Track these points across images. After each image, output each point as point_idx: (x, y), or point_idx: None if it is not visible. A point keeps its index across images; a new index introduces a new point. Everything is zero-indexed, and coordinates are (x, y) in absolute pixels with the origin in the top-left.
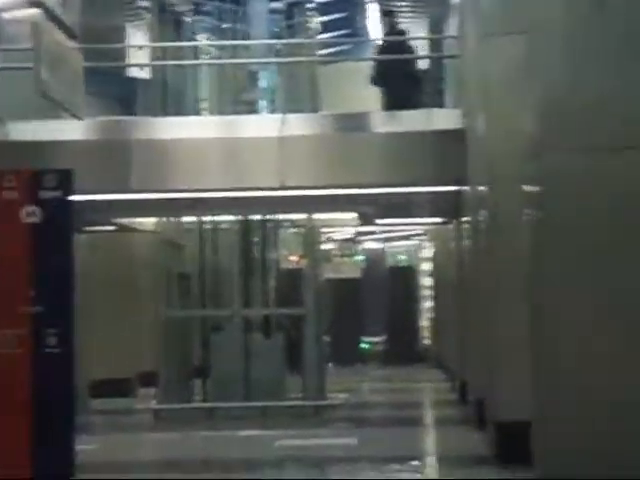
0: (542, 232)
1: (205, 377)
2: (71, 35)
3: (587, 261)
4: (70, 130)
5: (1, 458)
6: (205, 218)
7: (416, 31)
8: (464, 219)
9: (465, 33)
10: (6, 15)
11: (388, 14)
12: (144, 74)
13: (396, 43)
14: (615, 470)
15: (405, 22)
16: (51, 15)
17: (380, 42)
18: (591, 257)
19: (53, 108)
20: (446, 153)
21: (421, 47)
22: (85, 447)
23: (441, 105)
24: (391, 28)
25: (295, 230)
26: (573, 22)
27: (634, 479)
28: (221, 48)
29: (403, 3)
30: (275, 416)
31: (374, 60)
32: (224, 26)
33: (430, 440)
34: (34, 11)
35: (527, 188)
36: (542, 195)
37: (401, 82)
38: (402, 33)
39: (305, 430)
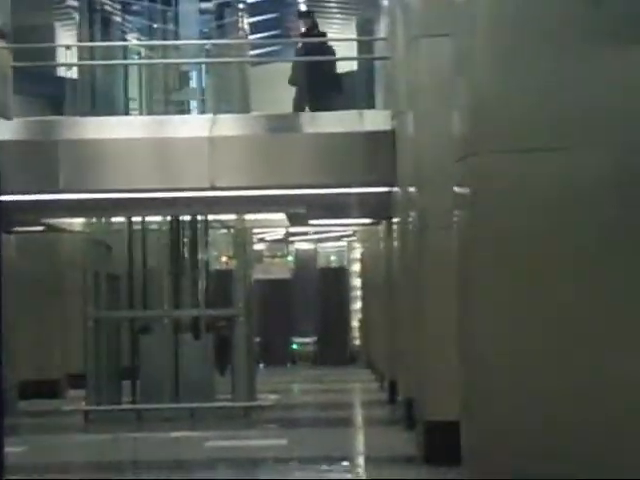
0: (470, 234)
1: (134, 378)
2: None
3: (514, 262)
4: None
5: None
6: (134, 218)
7: (345, 32)
8: (393, 220)
9: (394, 35)
10: None
11: (305, 15)
12: (73, 74)
13: (316, 44)
14: (544, 468)
15: (335, 23)
16: None
17: (300, 43)
18: (519, 258)
19: None
20: (376, 154)
21: (350, 48)
22: (14, 449)
23: (372, 106)
24: (310, 29)
25: (225, 231)
26: (501, 22)
27: (562, 478)
28: (151, 48)
29: (332, 4)
30: (205, 417)
31: (297, 61)
32: (154, 26)
33: (359, 440)
34: None
35: (456, 190)
36: (471, 197)
37: (318, 83)
38: (323, 34)
39: (235, 431)
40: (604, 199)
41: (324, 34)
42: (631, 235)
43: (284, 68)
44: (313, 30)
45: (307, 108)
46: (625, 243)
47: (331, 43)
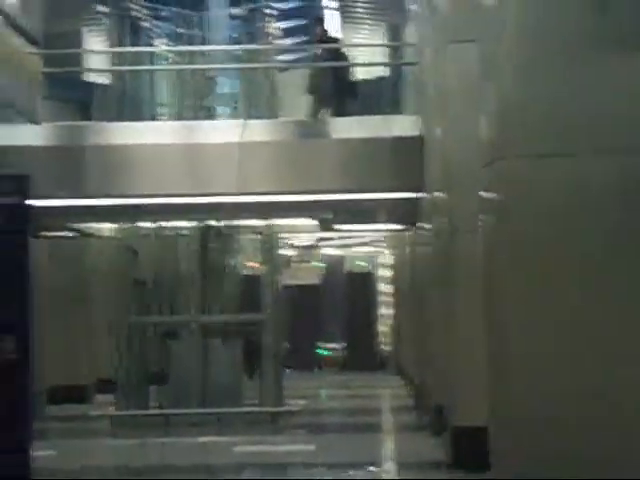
0: (497, 238)
1: (162, 383)
2: (31, 40)
3: (541, 265)
4: (28, 135)
5: None
6: (163, 224)
7: (374, 38)
8: (422, 225)
9: (423, 40)
10: None
11: (317, 22)
12: (102, 79)
13: (330, 51)
14: (571, 470)
15: (365, 29)
16: (10, 21)
17: (317, 51)
18: (545, 262)
19: (10, 113)
20: (404, 159)
21: (379, 54)
22: (42, 453)
23: (399, 112)
24: (322, 35)
25: (254, 236)
26: (524, 30)
27: (591, 479)
28: (181, 54)
29: (361, 10)
30: (232, 422)
31: (313, 69)
32: (183, 32)
33: (388, 446)
34: None
35: (483, 194)
36: (498, 201)
37: (334, 91)
38: (335, 40)
39: (262, 436)
40: (631, 204)
41: (336, 40)
42: None
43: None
44: (323, 36)
45: (325, 115)
46: None
47: (348, 49)
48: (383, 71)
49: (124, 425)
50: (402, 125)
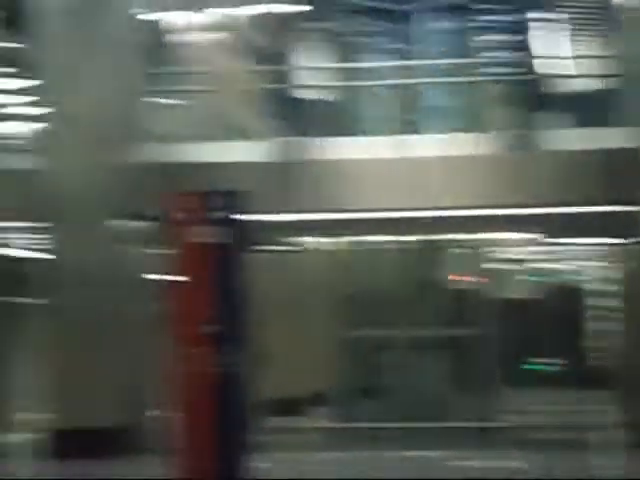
0: None
1: (375, 397)
2: (248, 58)
3: None
4: (244, 151)
5: (190, 471)
6: (374, 238)
7: (584, 50)
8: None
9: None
10: (185, 38)
11: (516, 34)
12: (312, 95)
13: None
14: None
15: (579, 41)
16: (228, 38)
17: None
18: None
19: (229, 129)
20: (619, 172)
21: (594, 66)
22: (260, 465)
23: (614, 124)
24: (520, 48)
25: (465, 250)
26: None
27: None
28: (391, 68)
29: (574, 22)
30: (444, 437)
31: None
32: (393, 46)
33: (603, 464)
34: (211, 34)
35: None
36: None
37: (532, 103)
38: (531, 52)
39: (474, 452)
40: None
41: (531, 51)
42: None
43: None
44: (521, 48)
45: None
46: None
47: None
48: (596, 83)
49: (336, 438)
50: (616, 137)
